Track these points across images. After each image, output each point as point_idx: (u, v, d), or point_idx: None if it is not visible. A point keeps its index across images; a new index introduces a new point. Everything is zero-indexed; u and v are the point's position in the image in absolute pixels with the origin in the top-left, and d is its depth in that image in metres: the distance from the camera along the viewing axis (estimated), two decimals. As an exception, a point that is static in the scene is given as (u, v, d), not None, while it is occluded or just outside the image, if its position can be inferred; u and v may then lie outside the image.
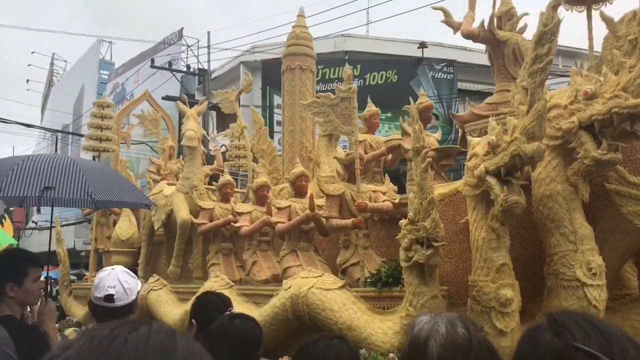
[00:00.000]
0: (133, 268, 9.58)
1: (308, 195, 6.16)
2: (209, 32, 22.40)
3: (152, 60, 21.61)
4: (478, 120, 5.47)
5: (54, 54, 40.03)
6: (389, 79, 19.75)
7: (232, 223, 6.67)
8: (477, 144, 4.46)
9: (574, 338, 1.14)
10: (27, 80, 41.01)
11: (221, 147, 16.01)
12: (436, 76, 19.56)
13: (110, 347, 0.73)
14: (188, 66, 22.20)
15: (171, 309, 6.92)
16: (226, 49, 31.21)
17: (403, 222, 4.63)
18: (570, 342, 1.13)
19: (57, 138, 29.36)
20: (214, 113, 19.49)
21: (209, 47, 22.09)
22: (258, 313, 5.55)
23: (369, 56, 19.96)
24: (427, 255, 4.24)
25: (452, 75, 19.34)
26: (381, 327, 4.72)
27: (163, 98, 18.08)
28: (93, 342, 0.74)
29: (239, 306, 5.88)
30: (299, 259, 5.98)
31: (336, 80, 21.41)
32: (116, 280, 2.78)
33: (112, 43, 34.31)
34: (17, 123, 19.64)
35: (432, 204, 4.26)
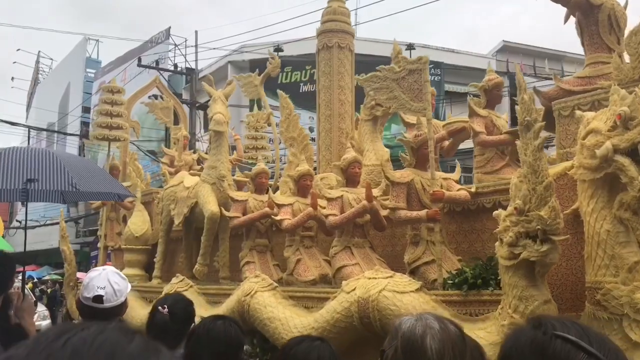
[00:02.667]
0: (148, 267, 8.83)
1: (356, 184, 5.44)
2: (196, 32, 22.40)
3: (139, 59, 21.44)
4: (567, 96, 4.73)
5: (39, 51, 39.65)
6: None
7: (272, 216, 5.90)
8: (595, 118, 3.73)
9: (554, 328, 1.18)
10: (12, 78, 40.45)
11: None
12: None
13: (55, 343, 0.72)
14: (175, 65, 21.90)
15: (200, 313, 6.11)
16: (214, 49, 31.10)
17: (500, 213, 3.89)
18: (550, 331, 1.17)
19: (41, 136, 29.01)
20: (201, 112, 18.98)
21: (196, 46, 21.98)
22: (313, 319, 4.81)
23: (357, 57, 19.54)
24: (543, 252, 3.49)
25: (439, 77, 19.18)
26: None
27: (150, 97, 17.96)
28: (41, 340, 0.73)
29: (286, 310, 5.14)
30: (354, 256, 5.23)
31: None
32: (106, 281, 2.78)
33: (98, 41, 34.02)
34: (2, 121, 19.33)
35: (550, 189, 3.51)
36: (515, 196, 3.72)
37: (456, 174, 5.08)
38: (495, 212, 3.96)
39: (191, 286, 6.49)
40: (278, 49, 21.14)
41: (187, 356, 2.55)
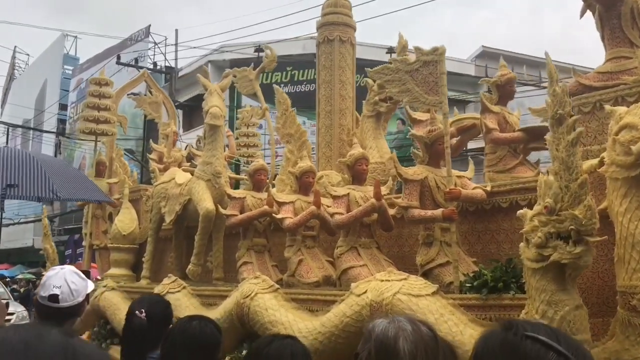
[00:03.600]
0: (134, 266, 8.48)
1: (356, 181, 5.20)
2: (176, 30, 22.34)
3: (119, 57, 21.15)
4: (587, 92, 4.53)
5: (15, 46, 39.15)
6: (357, 82, 19.16)
7: (273, 215, 5.62)
8: (628, 113, 3.53)
9: (524, 329, 1.19)
10: (-13, 73, 39.88)
11: (186, 147, 15.27)
12: None
13: None
14: (155, 63, 21.73)
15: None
16: (194, 47, 30.91)
17: (526, 212, 3.66)
18: (520, 332, 1.18)
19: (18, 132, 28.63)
20: (180, 112, 18.80)
21: (176, 44, 21.96)
22: (319, 323, 4.54)
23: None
24: (576, 254, 3.27)
25: None
26: (493, 344, 3.73)
27: (128, 95, 17.75)
28: None
29: (289, 313, 4.87)
30: (361, 257, 4.98)
31: (305, 82, 20.85)
32: (63, 280, 2.75)
33: (77, 38, 33.64)
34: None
35: (585, 187, 3.29)
36: (544, 194, 3.49)
37: (470, 172, 4.85)
38: (519, 212, 3.74)
39: (184, 287, 6.18)
40: (259, 49, 20.96)
41: (163, 357, 2.55)
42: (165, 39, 22.50)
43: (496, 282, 3.96)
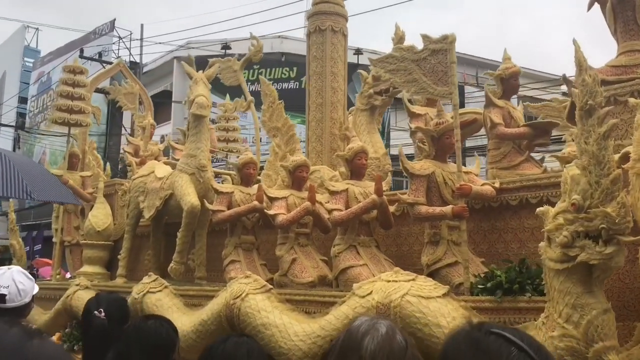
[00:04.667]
0: (108, 264, 8.07)
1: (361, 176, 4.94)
2: (142, 25, 21.85)
3: (82, 50, 20.65)
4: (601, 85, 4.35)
5: None
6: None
7: (265, 211, 5.31)
8: (658, 106, 3.33)
9: (490, 326, 1.24)
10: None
11: (162, 140, 14.94)
12: None
13: None
14: (119, 58, 21.13)
15: (178, 316, 5.47)
16: (160, 43, 30.38)
17: (547, 209, 3.45)
18: (485, 328, 1.23)
19: None
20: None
21: (141, 39, 21.60)
22: (318, 326, 4.25)
23: (304, 59, 19.77)
24: (607, 254, 3.06)
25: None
26: (509, 350, 3.50)
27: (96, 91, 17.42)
28: None
29: (283, 315, 4.58)
30: (361, 256, 4.71)
31: (271, 81, 20.76)
32: (10, 280, 2.77)
33: (38, 29, 32.78)
34: None
35: (617, 183, 3.08)
36: (571, 191, 3.28)
37: (476, 168, 4.63)
38: (540, 209, 3.52)
39: (166, 286, 5.82)
40: (226, 46, 20.64)
41: (116, 357, 2.50)
42: (131, 34, 22.15)
43: (511, 283, 3.74)
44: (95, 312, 2.78)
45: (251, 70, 22.09)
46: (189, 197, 6.02)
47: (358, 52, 19.52)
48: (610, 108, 3.17)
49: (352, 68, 18.54)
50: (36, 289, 2.95)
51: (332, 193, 4.85)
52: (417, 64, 4.36)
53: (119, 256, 7.39)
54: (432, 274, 4.24)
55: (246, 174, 5.88)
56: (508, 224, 4.48)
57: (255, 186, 5.94)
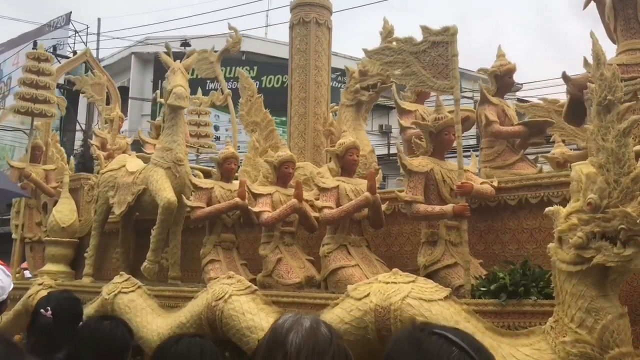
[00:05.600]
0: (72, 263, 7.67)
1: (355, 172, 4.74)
2: (99, 19, 21.23)
3: (35, 43, 19.91)
4: (600, 85, 4.25)
5: None
6: (285, 83, 19.62)
7: (249, 208, 5.05)
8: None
9: (432, 327, 1.27)
10: None
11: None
12: (332, 85, 19.43)
13: None
14: (74, 52, 20.70)
15: (153, 318, 5.17)
16: (117, 38, 29.71)
17: (557, 209, 3.31)
18: (428, 329, 1.26)
19: None
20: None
21: (98, 34, 21.13)
22: (309, 330, 4.01)
23: (266, 59, 20.06)
24: (626, 256, 2.92)
25: (344, 85, 19.20)
26: (515, 355, 3.34)
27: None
28: None
29: (270, 318, 4.33)
30: (352, 256, 4.50)
31: (231, 80, 20.55)
32: None
33: None
34: None
35: (638, 182, 2.95)
36: (586, 189, 3.14)
37: (473, 166, 4.48)
38: (549, 209, 3.38)
39: (139, 287, 5.49)
40: (185, 43, 20.21)
41: (68, 357, 2.45)
42: (87, 28, 21.41)
43: (516, 286, 3.59)
44: (42, 310, 2.72)
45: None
46: (165, 192, 5.71)
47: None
48: (632, 103, 3.05)
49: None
50: (11, 286, 2.89)
51: (323, 190, 4.63)
52: (416, 56, 4.18)
53: (85, 254, 7.00)
54: (430, 276, 4.06)
55: (227, 169, 5.61)
56: (506, 224, 4.34)
57: (236, 182, 5.68)
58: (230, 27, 7.42)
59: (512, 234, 4.31)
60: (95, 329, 2.44)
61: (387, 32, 5.79)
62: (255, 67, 20.11)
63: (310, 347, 1.44)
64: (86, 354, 2.37)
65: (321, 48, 6.45)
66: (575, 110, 4.53)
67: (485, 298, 3.68)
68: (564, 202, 3.94)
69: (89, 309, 5.76)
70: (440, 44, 4.11)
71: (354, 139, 4.86)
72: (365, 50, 4.45)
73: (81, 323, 2.78)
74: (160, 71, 20.25)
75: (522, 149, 4.94)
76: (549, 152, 5.78)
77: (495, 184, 4.26)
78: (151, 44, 20.57)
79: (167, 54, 6.23)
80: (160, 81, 20.49)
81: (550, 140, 5.72)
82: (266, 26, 25.40)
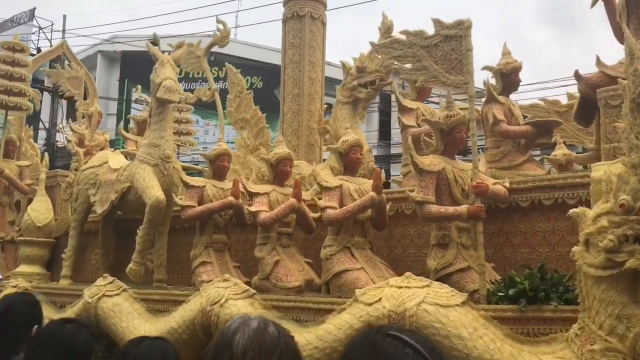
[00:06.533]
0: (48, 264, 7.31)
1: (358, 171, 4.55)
2: (64, 16, 20.78)
3: None
4: (614, 84, 4.13)
5: None
6: (254, 85, 19.74)
7: (246, 208, 4.81)
8: None
9: (388, 329, 1.28)
10: None
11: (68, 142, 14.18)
12: None
13: None
14: (39, 49, 20.09)
15: (140, 323, 4.88)
16: (83, 36, 29.03)
17: (583, 211, 3.16)
18: (384, 331, 1.27)
19: None
20: (64, 102, 17.77)
21: (64, 31, 20.72)
22: (314, 336, 3.80)
23: (235, 60, 20.36)
24: (662, 261, 2.78)
25: None
26: (537, 364, 3.19)
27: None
28: None
29: (270, 325, 4.07)
30: (356, 259, 4.30)
31: (200, 80, 20.40)
32: None
33: None
34: None
35: (676, 182, 2.81)
36: (617, 190, 2.99)
37: (482, 166, 4.32)
38: (573, 210, 3.23)
39: (125, 290, 5.19)
40: (154, 42, 19.85)
41: None
42: (52, 24, 20.76)
43: (535, 291, 3.42)
44: None
45: (179, 68, 21.35)
46: (153, 190, 5.42)
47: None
48: (669, 100, 2.90)
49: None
50: None
51: (325, 189, 4.42)
52: (428, 50, 4.01)
53: (63, 255, 6.65)
54: (442, 280, 3.87)
55: (220, 167, 5.35)
56: (517, 226, 4.20)
57: (229, 180, 5.44)
58: (219, 21, 7.17)
59: (523, 236, 4.17)
60: (56, 332, 2.35)
61: (386, 28, 5.63)
62: (224, 68, 20.04)
63: (257, 347, 1.44)
64: (44, 358, 2.29)
65: (316, 43, 6.25)
66: (585, 111, 4.40)
67: (502, 304, 3.51)
68: (579, 205, 3.82)
69: (68, 313, 5.45)
70: (453, 38, 3.94)
71: (358, 137, 4.66)
72: (372, 44, 4.28)
73: (38, 326, 2.68)
74: (126, 70, 19.87)
75: (529, 150, 4.80)
76: (546, 154, 5.69)
77: (507, 184, 4.10)
78: (118, 42, 20.42)
79: (155, 44, 5.95)
80: (126, 80, 20.13)
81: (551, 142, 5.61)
82: (235, 27, 25.09)
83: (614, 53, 4.59)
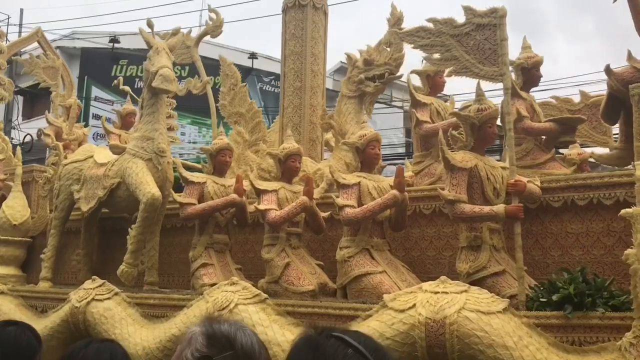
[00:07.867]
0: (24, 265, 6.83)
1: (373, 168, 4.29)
2: (21, 10, 20.16)
3: None
4: (646, 79, 3.97)
5: None
6: (217, 85, 18.91)
7: (255, 206, 4.49)
8: None
9: (332, 331, 1.27)
10: None
11: (26, 136, 13.64)
12: (264, 88, 20.13)
13: None
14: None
15: (135, 330, 4.51)
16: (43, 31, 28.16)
17: (636, 211, 2.96)
18: (327, 332, 1.26)
19: None
20: (20, 98, 17.19)
21: (20, 25, 19.90)
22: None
23: (203, 60, 19.72)
24: None
25: (279, 89, 19.20)
26: (587, 376, 2.96)
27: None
28: None
29: (286, 332, 3.84)
30: (376, 261, 4.02)
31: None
32: None
33: None
34: None
35: None
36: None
37: (508, 163, 4.08)
38: (625, 211, 3.03)
39: (116, 294, 4.80)
40: (114, 39, 19.30)
41: None
42: (8, 18, 20.00)
43: (581, 297, 3.20)
44: None
45: (140, 66, 20.77)
46: (148, 187, 5.04)
47: (253, 56, 19.45)
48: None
49: (246, 72, 17.85)
50: None
51: (343, 187, 4.13)
52: (458, 39, 3.76)
53: (42, 255, 6.19)
54: (474, 284, 3.62)
55: (221, 162, 5.01)
56: (547, 228, 3.98)
57: (230, 176, 5.11)
58: (211, 10, 6.81)
59: (554, 238, 3.95)
60: None
61: (395, 19, 5.36)
62: (187, 67, 19.70)
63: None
64: None
65: (318, 35, 5.95)
66: (613, 108, 4.22)
67: (544, 310, 3.28)
68: (617, 205, 3.64)
69: (52, 318, 5.04)
70: (486, 27, 3.70)
71: (377, 132, 4.38)
72: (396, 32, 4.01)
73: None
74: (86, 67, 19.25)
75: (552, 148, 4.61)
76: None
77: (537, 183, 3.88)
78: (78, 38, 19.86)
79: (150, 29, 5.56)
80: (85, 77, 19.48)
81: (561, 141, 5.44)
82: (199, 26, 24.64)
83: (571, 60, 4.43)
